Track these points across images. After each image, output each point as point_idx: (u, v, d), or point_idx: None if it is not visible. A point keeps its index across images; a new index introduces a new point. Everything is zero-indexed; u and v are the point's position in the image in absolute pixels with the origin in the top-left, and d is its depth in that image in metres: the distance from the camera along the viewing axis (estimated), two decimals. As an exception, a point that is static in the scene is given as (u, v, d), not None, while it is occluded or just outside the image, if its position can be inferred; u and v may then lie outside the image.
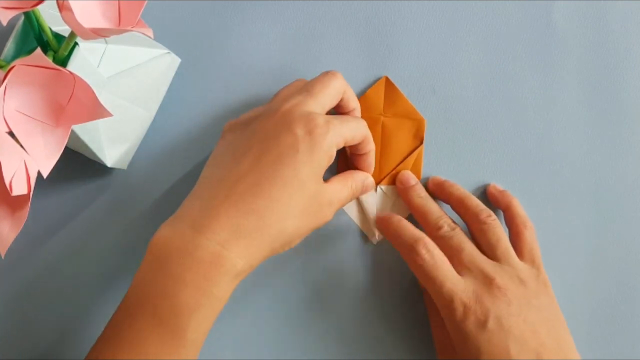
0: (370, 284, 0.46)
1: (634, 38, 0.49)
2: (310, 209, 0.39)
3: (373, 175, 0.47)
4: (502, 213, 0.46)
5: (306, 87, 0.41)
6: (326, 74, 0.42)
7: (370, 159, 0.45)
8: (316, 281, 0.46)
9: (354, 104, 0.44)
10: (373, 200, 0.47)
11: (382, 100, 0.47)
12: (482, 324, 0.39)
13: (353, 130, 0.41)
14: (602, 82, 0.48)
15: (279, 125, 0.38)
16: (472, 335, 0.39)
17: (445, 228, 0.43)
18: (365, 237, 0.47)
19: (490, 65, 0.48)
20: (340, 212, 0.47)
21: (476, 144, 0.48)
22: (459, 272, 0.41)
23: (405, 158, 0.47)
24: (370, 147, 0.44)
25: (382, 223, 0.45)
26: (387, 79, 0.48)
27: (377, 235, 0.46)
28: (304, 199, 0.38)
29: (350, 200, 0.44)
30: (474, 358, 0.38)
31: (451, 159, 0.47)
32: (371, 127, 0.47)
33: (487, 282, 0.40)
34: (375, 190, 0.47)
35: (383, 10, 0.49)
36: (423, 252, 0.41)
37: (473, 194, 0.46)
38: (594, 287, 0.47)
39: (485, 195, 0.47)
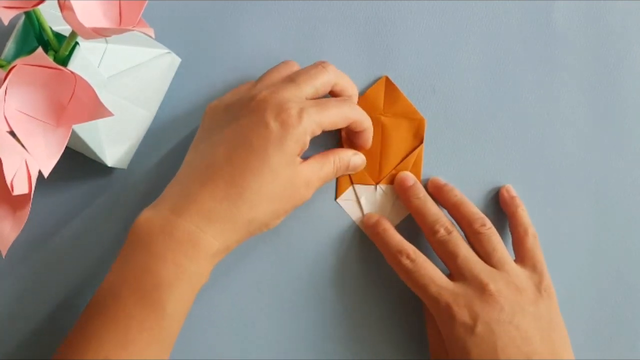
0: (369, 284, 0.46)
1: (634, 38, 0.49)
2: (284, 193, 0.40)
3: (372, 175, 0.47)
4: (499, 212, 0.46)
5: (292, 76, 0.41)
6: (316, 65, 0.42)
7: (366, 137, 0.45)
8: (315, 281, 0.46)
9: (349, 91, 0.44)
10: (373, 200, 0.47)
11: (382, 100, 0.47)
12: (470, 328, 0.39)
13: (333, 116, 0.41)
14: (602, 82, 0.48)
15: (254, 114, 0.39)
16: (460, 338, 0.39)
17: (442, 232, 0.43)
18: (365, 237, 0.47)
19: (490, 65, 0.48)
20: (340, 211, 0.47)
21: (476, 144, 0.48)
22: (454, 277, 0.42)
23: (405, 158, 0.47)
24: (365, 126, 0.44)
25: (369, 229, 0.45)
26: (387, 78, 0.48)
27: None
28: (275, 186, 0.39)
29: (335, 176, 0.44)
30: None
31: (451, 159, 0.47)
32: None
33: (480, 287, 0.40)
34: (375, 190, 0.47)
35: (383, 10, 0.49)
36: (406, 262, 0.42)
37: (474, 193, 0.46)
38: (594, 287, 0.47)
39: (488, 196, 0.47)
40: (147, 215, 0.38)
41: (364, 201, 0.47)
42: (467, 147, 0.48)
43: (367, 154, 0.47)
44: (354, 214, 0.47)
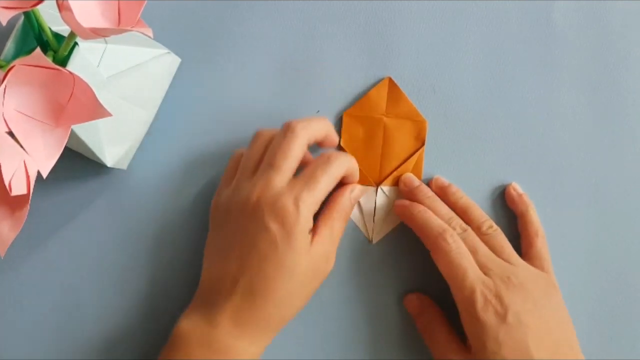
0: (368, 284, 0.46)
1: (634, 38, 0.49)
2: (306, 281, 0.40)
3: (373, 177, 0.46)
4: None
5: (268, 160, 0.41)
6: (284, 134, 0.41)
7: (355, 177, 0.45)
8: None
9: (323, 134, 0.43)
10: (373, 202, 0.47)
11: (384, 101, 0.47)
12: (503, 317, 0.39)
13: (324, 186, 0.41)
14: (602, 82, 0.48)
15: (254, 221, 0.40)
16: (492, 327, 0.39)
17: (458, 230, 0.43)
18: (364, 237, 0.47)
19: (490, 65, 0.48)
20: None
21: (476, 144, 0.48)
22: None
23: (406, 159, 0.47)
24: (354, 172, 0.43)
25: (405, 211, 0.45)
26: (390, 80, 0.48)
27: (376, 236, 0.46)
28: (296, 281, 0.40)
29: (346, 223, 0.43)
30: (492, 352, 0.39)
31: (451, 159, 0.47)
32: (373, 127, 0.47)
33: (505, 279, 0.41)
34: (376, 191, 0.47)
35: (383, 10, 0.49)
36: (450, 240, 0.42)
37: (474, 193, 0.46)
38: (594, 287, 0.47)
39: (489, 196, 0.47)
40: (186, 326, 0.40)
41: (364, 202, 0.47)
42: (467, 147, 0.47)
43: (368, 155, 0.47)
44: (354, 215, 0.47)
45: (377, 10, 0.49)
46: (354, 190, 0.44)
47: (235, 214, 0.41)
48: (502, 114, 0.48)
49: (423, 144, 0.47)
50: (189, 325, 0.40)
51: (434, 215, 0.44)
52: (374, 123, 0.47)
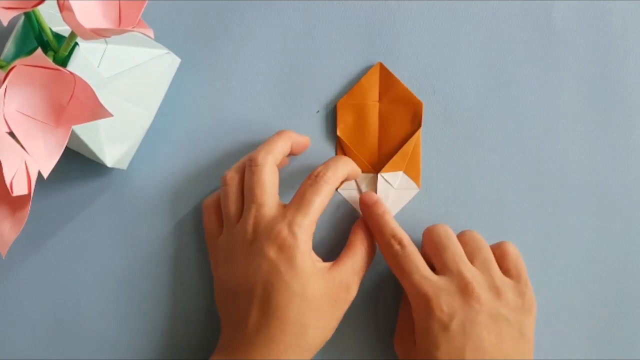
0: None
1: (634, 38, 0.49)
2: (320, 306, 0.40)
3: (372, 164, 0.47)
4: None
5: (250, 199, 0.41)
6: (252, 171, 0.41)
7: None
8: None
9: (301, 147, 0.44)
10: (374, 189, 0.47)
11: (377, 87, 0.47)
12: (445, 324, 0.39)
13: (317, 207, 0.41)
14: (602, 82, 0.48)
15: (254, 255, 0.40)
16: (433, 331, 0.39)
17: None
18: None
19: (490, 65, 0.48)
20: (341, 202, 0.47)
21: (476, 144, 0.48)
22: (439, 271, 0.41)
23: (404, 143, 0.47)
24: (350, 173, 0.44)
25: (366, 208, 0.44)
26: (381, 65, 0.48)
27: None
28: (309, 304, 0.39)
29: (373, 256, 0.44)
30: (431, 354, 0.39)
31: (451, 159, 0.47)
32: (368, 114, 0.47)
33: (463, 285, 0.40)
34: (376, 178, 0.47)
35: (383, 10, 0.49)
36: (397, 247, 0.41)
37: (473, 193, 0.46)
38: (594, 287, 0.47)
39: (484, 195, 0.47)
40: None
41: (364, 189, 0.47)
42: (467, 147, 0.47)
43: (365, 143, 0.47)
44: (355, 203, 0.47)
45: (377, 10, 0.49)
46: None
47: (236, 254, 0.41)
48: (502, 114, 0.48)
49: (420, 125, 0.47)
50: None
51: (392, 220, 0.43)
52: (368, 110, 0.47)
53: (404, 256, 0.41)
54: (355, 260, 0.42)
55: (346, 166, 0.44)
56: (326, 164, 0.43)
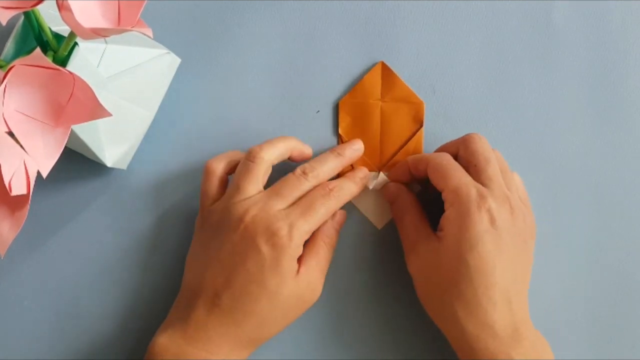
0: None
1: (634, 38, 0.49)
2: (288, 307, 0.41)
3: (374, 162, 0.47)
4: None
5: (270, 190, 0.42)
6: (244, 164, 0.42)
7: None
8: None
9: (301, 156, 0.44)
10: (374, 187, 0.46)
11: (379, 86, 0.47)
12: (493, 219, 0.39)
13: (322, 219, 0.41)
14: (602, 82, 0.48)
15: (245, 239, 0.40)
16: (481, 229, 0.39)
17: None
18: (370, 224, 0.46)
19: (490, 65, 0.48)
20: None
21: (476, 144, 0.47)
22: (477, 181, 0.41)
23: (406, 142, 0.47)
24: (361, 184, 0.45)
25: (396, 189, 0.45)
26: (383, 64, 0.48)
27: (381, 221, 0.46)
28: (277, 306, 0.40)
29: (333, 251, 0.44)
30: (467, 252, 0.38)
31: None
32: (370, 113, 0.47)
33: (505, 197, 0.40)
34: (378, 176, 0.47)
35: (383, 10, 0.49)
36: (441, 157, 0.42)
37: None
38: (594, 287, 0.47)
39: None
40: (161, 342, 0.40)
41: (367, 186, 0.47)
42: (467, 147, 0.47)
43: (367, 141, 0.47)
44: (358, 202, 0.47)
45: (377, 10, 0.49)
46: (336, 216, 0.44)
47: (225, 229, 0.41)
48: (502, 114, 0.48)
49: (421, 125, 0.47)
50: (164, 341, 0.40)
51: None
52: (370, 109, 0.47)
53: (447, 163, 0.41)
54: (319, 257, 0.42)
55: (358, 189, 0.44)
56: (343, 180, 0.44)
